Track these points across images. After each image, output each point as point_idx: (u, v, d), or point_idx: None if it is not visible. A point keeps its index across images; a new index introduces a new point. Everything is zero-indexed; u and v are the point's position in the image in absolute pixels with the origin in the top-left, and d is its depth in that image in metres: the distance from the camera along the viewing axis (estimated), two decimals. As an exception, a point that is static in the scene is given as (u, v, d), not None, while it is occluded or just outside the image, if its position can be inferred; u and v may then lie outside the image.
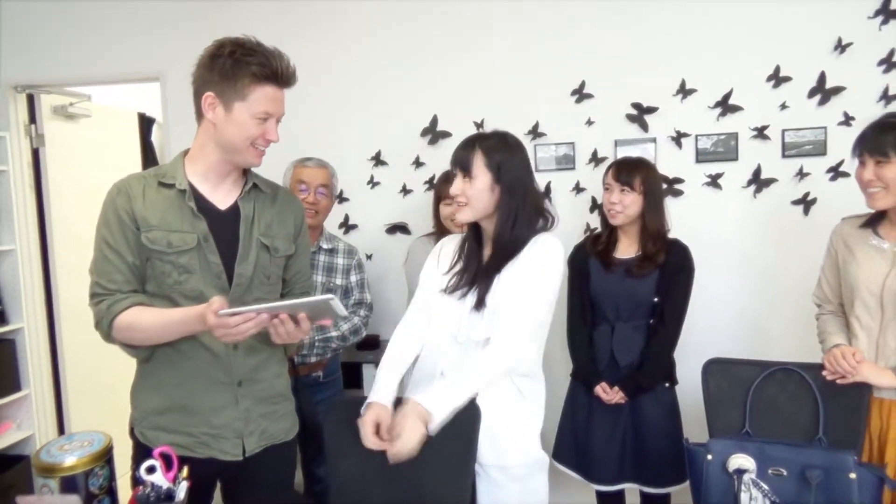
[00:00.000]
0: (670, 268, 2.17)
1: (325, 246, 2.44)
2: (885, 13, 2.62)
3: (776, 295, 2.79)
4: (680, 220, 2.57)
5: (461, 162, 1.69)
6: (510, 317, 1.60)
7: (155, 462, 1.42)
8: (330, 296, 1.38)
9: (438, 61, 2.93)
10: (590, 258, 2.27)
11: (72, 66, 3.17)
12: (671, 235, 2.27)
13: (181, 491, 1.43)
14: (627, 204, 2.18)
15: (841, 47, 2.65)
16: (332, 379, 2.50)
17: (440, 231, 2.51)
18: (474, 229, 1.77)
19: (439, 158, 2.91)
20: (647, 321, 2.16)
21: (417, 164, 2.97)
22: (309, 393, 2.37)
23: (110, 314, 1.52)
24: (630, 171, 2.19)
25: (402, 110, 2.96)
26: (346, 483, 1.72)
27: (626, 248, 2.25)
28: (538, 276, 1.63)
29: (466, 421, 1.62)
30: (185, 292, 1.55)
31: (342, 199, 3.04)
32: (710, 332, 2.74)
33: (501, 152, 1.67)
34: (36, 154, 3.31)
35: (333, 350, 2.44)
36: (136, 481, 1.43)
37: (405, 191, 3.00)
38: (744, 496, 1.71)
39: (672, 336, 2.17)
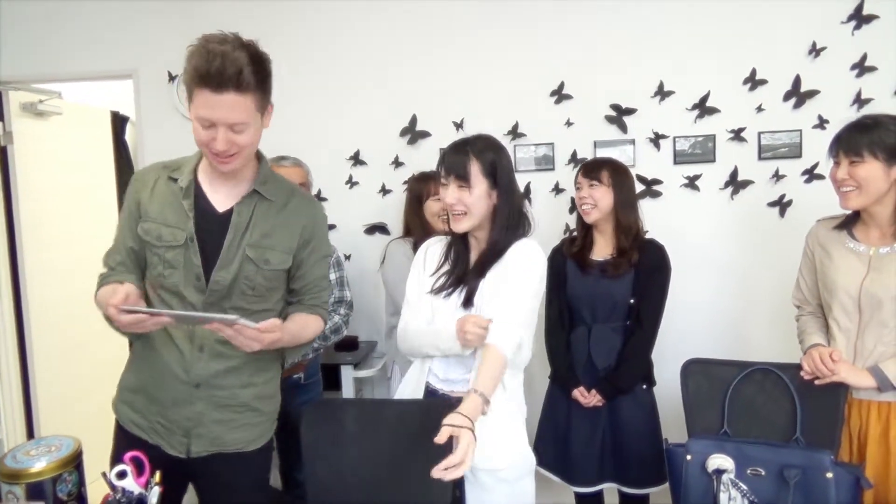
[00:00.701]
0: (645, 268, 2.18)
1: None
2: (858, 18, 2.66)
3: (753, 296, 2.82)
4: (658, 221, 2.59)
5: (456, 170, 1.64)
6: (503, 314, 1.59)
7: (126, 467, 1.38)
8: (234, 316, 1.36)
9: (418, 61, 2.91)
10: (567, 261, 2.27)
11: (42, 63, 3.09)
12: (648, 236, 2.28)
13: (153, 496, 1.39)
14: (598, 197, 2.18)
15: (815, 51, 2.69)
16: (313, 381, 2.47)
17: (422, 230, 2.46)
18: (461, 234, 1.74)
19: (419, 158, 2.90)
20: (625, 323, 2.16)
21: (397, 163, 2.95)
22: (290, 396, 2.33)
23: (97, 289, 1.58)
24: (597, 167, 2.22)
25: (381, 110, 2.94)
26: (324, 487, 1.69)
27: (602, 249, 2.25)
28: (526, 279, 1.63)
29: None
30: (166, 286, 1.56)
31: (320, 198, 3.00)
32: (687, 333, 2.76)
33: (494, 160, 1.65)
34: (3, 152, 3.22)
35: (315, 349, 2.41)
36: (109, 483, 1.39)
37: (384, 191, 2.97)
38: (723, 496, 1.71)
39: (649, 337, 2.17)
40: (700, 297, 2.81)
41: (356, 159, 2.98)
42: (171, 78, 3.02)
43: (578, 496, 2.28)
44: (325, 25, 2.95)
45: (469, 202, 1.64)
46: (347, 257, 3.00)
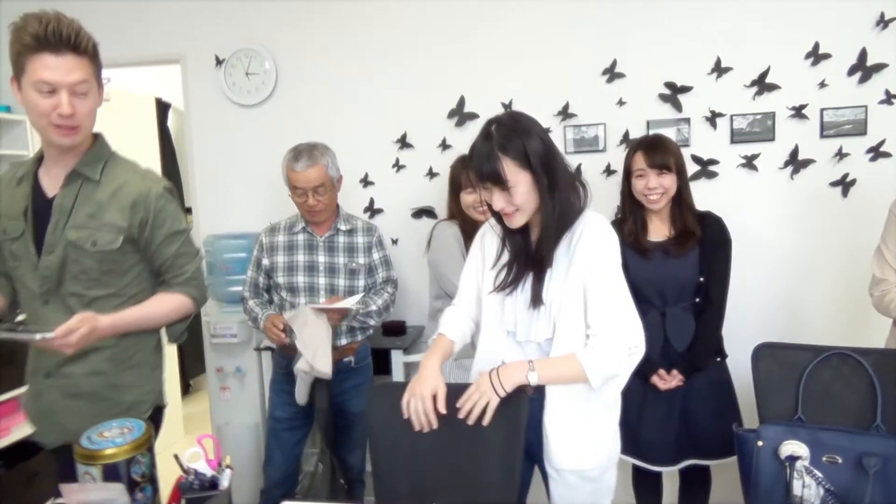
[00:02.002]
0: (710, 244, 2.13)
1: (342, 227, 2.38)
2: (929, -13, 2.54)
3: (812, 279, 2.73)
4: (714, 202, 2.50)
5: (490, 177, 1.51)
6: (607, 315, 1.52)
7: (198, 449, 1.38)
8: (40, 336, 1.39)
9: (465, 42, 2.86)
10: (622, 247, 2.20)
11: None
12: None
13: (225, 479, 1.40)
14: (668, 186, 2.12)
15: (883, 22, 2.57)
16: (364, 365, 2.47)
17: (462, 217, 2.42)
18: None
19: (466, 140, 2.81)
20: (694, 301, 2.11)
21: (444, 146, 2.91)
22: (341, 379, 2.33)
23: None
24: (664, 154, 2.11)
25: (428, 92, 2.90)
26: (388, 469, 1.68)
27: (658, 230, 2.19)
28: (608, 266, 1.55)
29: (515, 412, 1.58)
30: (17, 278, 1.62)
31: (367, 182, 2.98)
32: (742, 315, 2.67)
33: (519, 141, 1.50)
34: (55, 139, 3.27)
35: (372, 325, 2.40)
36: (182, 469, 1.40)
37: (431, 174, 2.94)
38: (796, 483, 1.66)
39: (720, 312, 2.15)
40: (756, 279, 2.72)
41: (403, 142, 2.95)
42: (219, 62, 3.02)
43: (638, 471, 2.25)
44: (372, 8, 2.91)
45: (518, 202, 1.52)
46: (395, 241, 2.99)
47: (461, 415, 1.55)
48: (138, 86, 3.85)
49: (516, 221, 1.57)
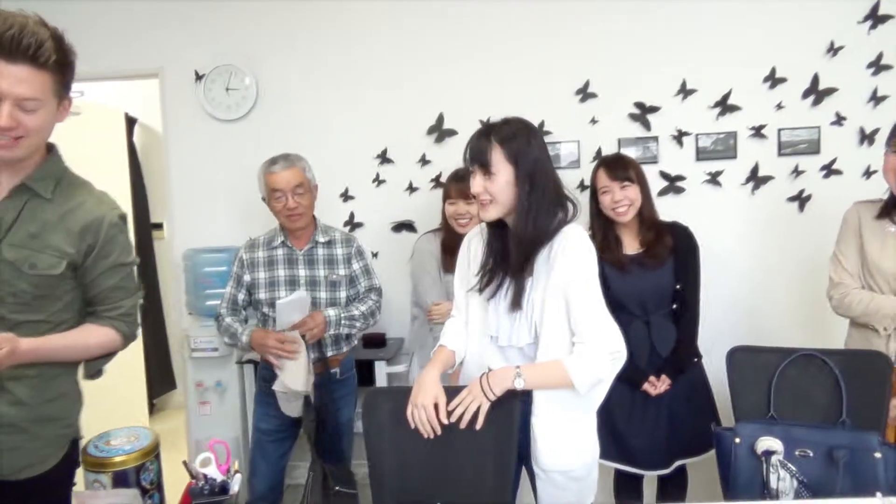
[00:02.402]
0: (682, 252, 2.23)
1: (321, 239, 2.39)
2: (874, 18, 2.76)
3: (772, 286, 2.90)
4: (681, 216, 2.63)
5: (478, 158, 1.60)
6: (590, 322, 1.59)
7: (209, 454, 1.40)
8: None
9: (445, 60, 2.95)
10: (600, 263, 2.29)
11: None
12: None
13: (235, 483, 1.42)
14: (633, 197, 2.21)
15: (833, 50, 2.77)
16: (349, 376, 2.49)
17: (446, 228, 2.51)
18: (497, 224, 1.70)
19: (446, 156, 2.94)
20: (672, 307, 2.22)
21: (424, 161, 2.99)
22: (326, 390, 2.35)
23: None
24: (624, 166, 2.23)
25: (408, 109, 2.97)
26: (385, 472, 1.72)
27: (631, 244, 2.29)
28: (589, 277, 1.63)
29: (507, 415, 1.64)
30: None
31: (347, 196, 3.03)
32: (710, 320, 2.80)
33: (518, 141, 1.60)
34: (25, 152, 3.21)
35: (358, 329, 2.42)
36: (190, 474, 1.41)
37: (411, 188, 3.01)
38: (772, 477, 1.77)
39: (696, 315, 2.26)
40: (721, 287, 2.87)
41: (383, 158, 3.01)
42: (199, 77, 3.03)
43: (620, 475, 2.33)
44: (353, 24, 2.98)
45: (494, 190, 1.59)
46: (375, 255, 3.03)
47: (453, 418, 1.61)
48: (103, 100, 3.81)
49: (488, 212, 1.63)
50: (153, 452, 1.40)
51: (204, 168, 3.08)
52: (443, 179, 2.93)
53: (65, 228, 1.42)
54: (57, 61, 1.31)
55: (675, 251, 2.23)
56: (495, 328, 1.70)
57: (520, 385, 1.58)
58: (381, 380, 2.71)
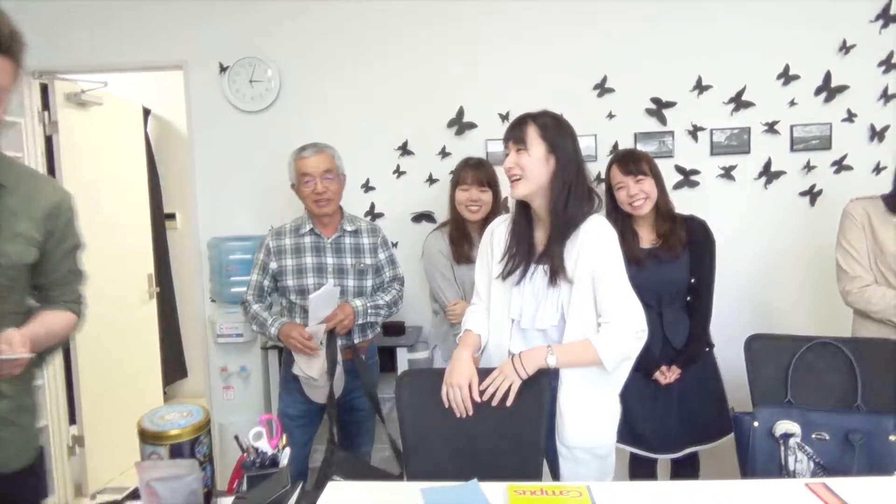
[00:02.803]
0: (698, 246, 2.29)
1: (348, 228, 2.44)
2: (885, 17, 2.82)
3: (783, 278, 2.97)
4: (696, 209, 2.70)
5: (514, 135, 1.73)
6: (617, 303, 1.68)
7: (261, 429, 1.47)
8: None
9: (465, 55, 3.01)
10: None
11: (90, 53, 3.14)
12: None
13: (284, 457, 1.48)
14: (648, 190, 2.26)
15: (845, 48, 2.84)
16: (372, 363, 2.55)
17: (453, 219, 2.57)
18: (523, 210, 1.79)
19: (466, 148, 3.00)
20: (686, 300, 2.29)
21: (444, 154, 3.05)
22: (351, 377, 2.41)
23: None
24: (636, 161, 2.28)
25: (429, 101, 3.03)
26: (417, 452, 1.79)
27: (647, 238, 2.35)
28: (617, 259, 1.72)
29: (538, 393, 1.72)
30: None
31: (368, 187, 3.09)
32: (722, 309, 2.86)
33: (554, 128, 1.73)
34: (49, 141, 3.26)
35: (383, 317, 2.48)
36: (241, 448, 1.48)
37: (431, 180, 3.07)
38: (790, 458, 1.84)
39: (709, 307, 2.32)
40: (735, 278, 2.93)
41: (404, 149, 3.07)
42: (223, 69, 3.08)
43: (635, 459, 2.40)
44: (375, 18, 3.03)
45: (525, 163, 1.69)
46: (395, 244, 3.09)
47: (485, 396, 1.68)
48: (117, 91, 3.85)
49: (517, 189, 1.73)
50: (206, 427, 1.46)
51: (227, 158, 3.14)
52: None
53: (29, 215, 1.41)
54: (16, 50, 1.29)
55: (690, 244, 2.29)
56: (518, 312, 1.78)
57: (552, 363, 1.66)
58: (402, 366, 2.78)
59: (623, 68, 2.94)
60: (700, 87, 2.92)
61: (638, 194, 2.26)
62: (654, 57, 2.93)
